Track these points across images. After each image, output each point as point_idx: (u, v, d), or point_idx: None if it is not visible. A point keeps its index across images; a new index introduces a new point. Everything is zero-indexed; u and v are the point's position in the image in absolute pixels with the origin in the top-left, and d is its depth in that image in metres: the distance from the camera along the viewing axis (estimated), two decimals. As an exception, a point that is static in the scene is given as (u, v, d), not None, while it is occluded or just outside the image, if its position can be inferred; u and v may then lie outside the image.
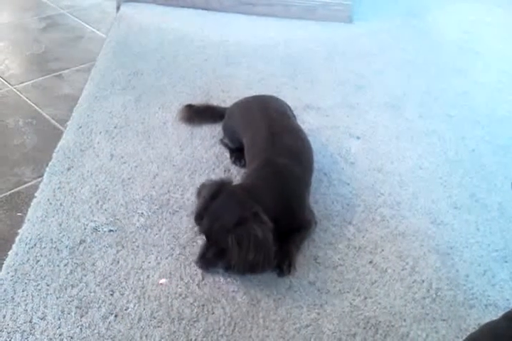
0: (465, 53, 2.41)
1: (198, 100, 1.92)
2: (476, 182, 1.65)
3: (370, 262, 1.36)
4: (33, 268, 1.27)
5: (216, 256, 1.24)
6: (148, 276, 1.27)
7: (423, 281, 1.32)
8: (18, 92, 1.92)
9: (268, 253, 1.21)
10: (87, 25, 2.42)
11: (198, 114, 1.76)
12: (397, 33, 2.54)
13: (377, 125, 1.88)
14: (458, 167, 1.71)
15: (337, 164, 1.68)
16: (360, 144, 1.78)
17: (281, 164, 1.37)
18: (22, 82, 1.98)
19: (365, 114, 1.93)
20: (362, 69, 2.21)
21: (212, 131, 1.78)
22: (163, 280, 1.26)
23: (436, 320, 1.23)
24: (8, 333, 1.13)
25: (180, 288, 1.25)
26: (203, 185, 1.37)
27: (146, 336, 1.15)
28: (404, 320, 1.23)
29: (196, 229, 1.34)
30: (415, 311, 1.25)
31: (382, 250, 1.40)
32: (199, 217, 1.28)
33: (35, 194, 1.47)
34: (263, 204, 1.25)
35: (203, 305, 1.22)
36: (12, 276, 1.25)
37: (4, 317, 1.16)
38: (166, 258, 1.32)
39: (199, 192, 1.35)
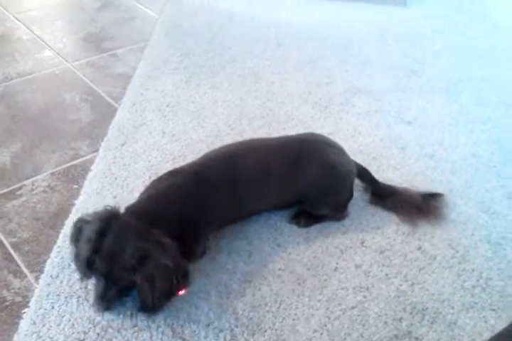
0: (526, 39, 2.30)
1: (247, 81, 1.93)
2: (533, 172, 1.59)
3: (419, 248, 1.35)
4: (88, 237, 1.32)
5: (118, 295, 1.13)
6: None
7: (473, 270, 1.30)
8: (74, 69, 1.98)
9: (183, 274, 1.10)
10: (140, 6, 2.45)
11: None
12: (453, 17, 2.45)
13: (429, 110, 1.84)
14: (514, 156, 1.65)
15: (387, 149, 1.66)
16: (412, 129, 1.74)
17: (203, 176, 1.23)
18: (78, 60, 2.03)
19: (417, 99, 1.89)
20: (416, 53, 2.15)
21: (261, 112, 1.78)
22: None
23: (485, 310, 1.21)
24: (66, 297, 1.19)
25: (228, 264, 1.28)
26: (82, 221, 1.13)
27: (195, 306, 1.18)
28: (452, 308, 1.21)
29: (81, 273, 1.14)
30: (464, 299, 1.23)
31: (432, 237, 1.37)
32: (88, 261, 1.08)
33: (91, 167, 1.53)
34: (162, 221, 1.11)
35: (250, 281, 1.24)
36: (69, 244, 1.30)
37: (61, 282, 1.22)
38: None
39: (78, 230, 1.12)
